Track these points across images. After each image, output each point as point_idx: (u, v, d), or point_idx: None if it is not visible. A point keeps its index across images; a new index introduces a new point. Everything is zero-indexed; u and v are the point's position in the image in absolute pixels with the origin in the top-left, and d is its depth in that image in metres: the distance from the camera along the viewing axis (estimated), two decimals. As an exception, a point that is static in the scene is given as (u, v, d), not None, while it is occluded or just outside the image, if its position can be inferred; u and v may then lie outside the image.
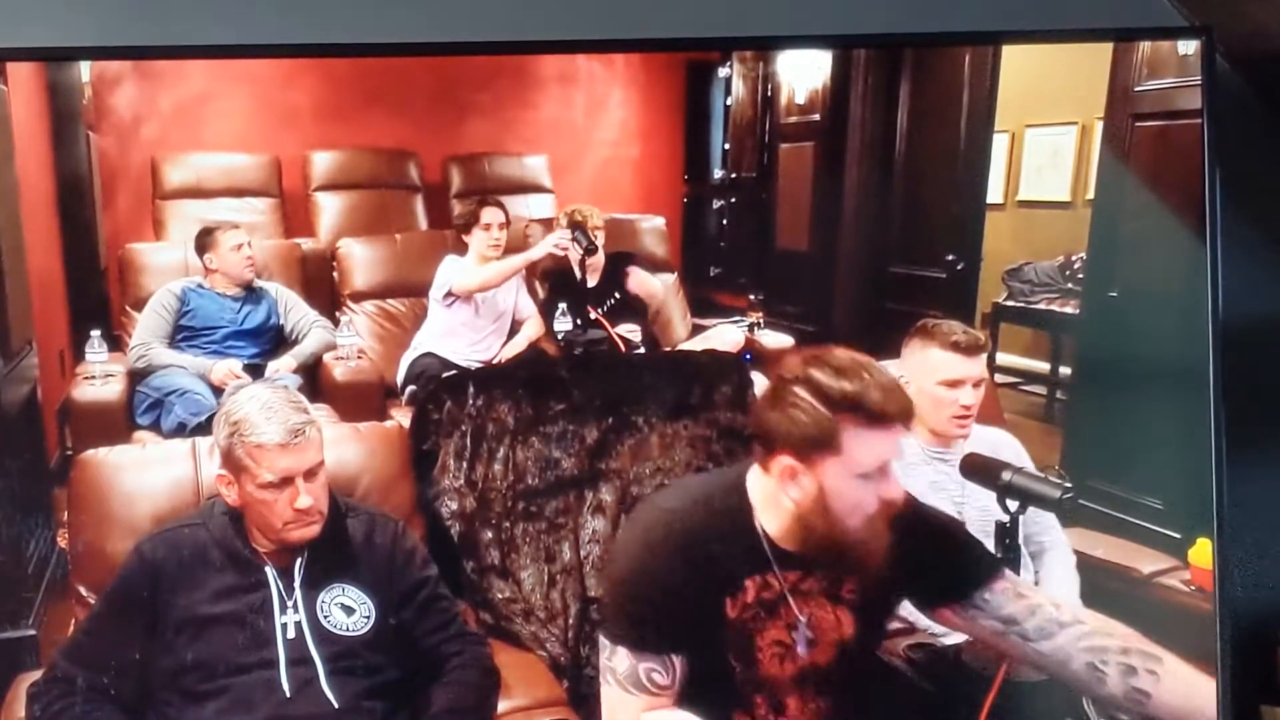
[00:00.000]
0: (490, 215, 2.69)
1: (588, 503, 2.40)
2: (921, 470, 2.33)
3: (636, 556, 1.85)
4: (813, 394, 1.75)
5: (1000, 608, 1.91)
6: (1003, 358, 2.73)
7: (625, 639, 1.82)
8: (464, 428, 2.40)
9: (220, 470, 2.02)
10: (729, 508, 1.85)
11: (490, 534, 2.37)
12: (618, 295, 2.76)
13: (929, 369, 2.31)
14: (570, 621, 2.34)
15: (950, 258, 2.69)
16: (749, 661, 1.86)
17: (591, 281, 2.74)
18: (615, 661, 1.83)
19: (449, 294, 2.67)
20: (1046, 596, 1.98)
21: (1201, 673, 1.93)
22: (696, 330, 2.86)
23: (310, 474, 1.99)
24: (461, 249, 2.69)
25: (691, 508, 1.87)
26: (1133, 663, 1.86)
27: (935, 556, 1.95)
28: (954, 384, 2.31)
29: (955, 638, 2.20)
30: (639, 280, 2.77)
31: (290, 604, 1.99)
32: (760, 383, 2.57)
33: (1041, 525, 2.32)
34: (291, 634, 1.98)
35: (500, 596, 2.34)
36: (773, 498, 1.83)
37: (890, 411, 1.74)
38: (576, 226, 2.67)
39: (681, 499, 1.91)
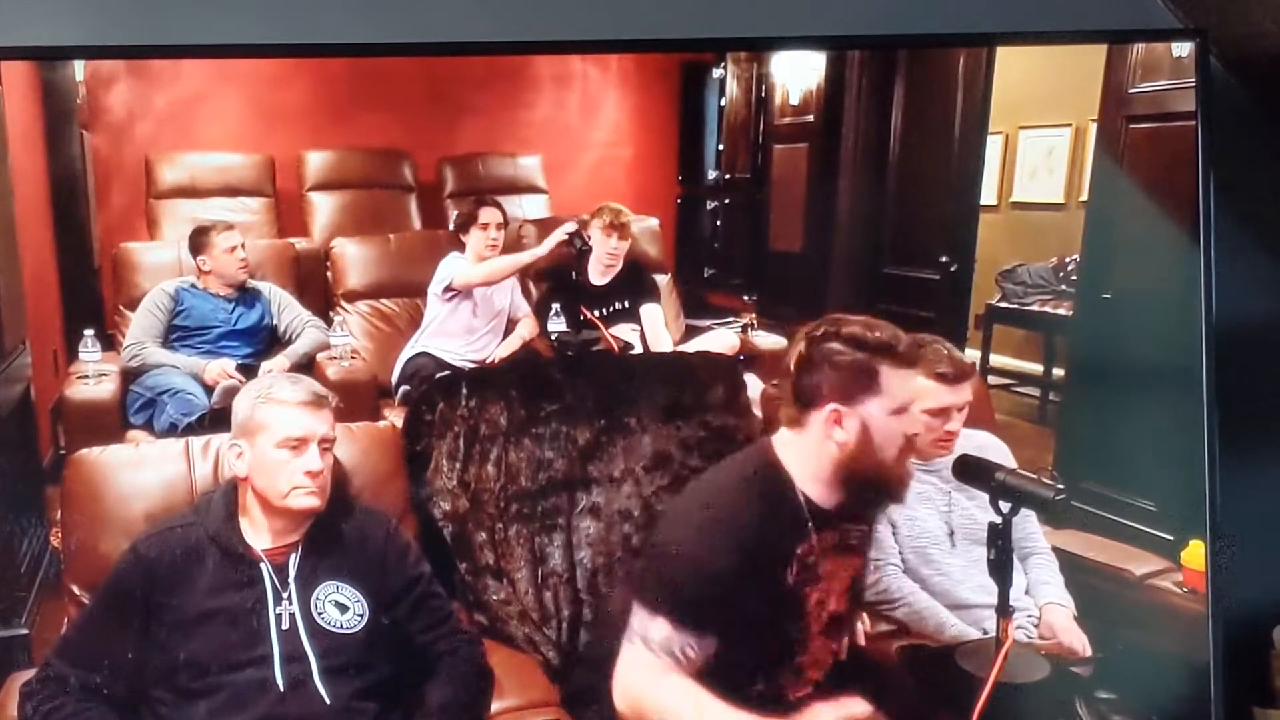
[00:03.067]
0: (488, 215, 2.69)
1: (580, 505, 2.40)
2: None
3: (688, 540, 1.95)
4: (848, 344, 1.90)
5: None
6: (996, 359, 2.73)
7: (671, 613, 1.88)
8: (457, 429, 2.40)
9: (233, 441, 2.05)
10: (770, 482, 1.93)
11: (484, 535, 2.37)
12: (625, 303, 2.76)
13: (913, 395, 2.31)
14: (564, 624, 2.34)
15: (944, 259, 2.69)
16: (800, 624, 1.94)
17: (599, 281, 2.74)
18: (653, 630, 1.88)
19: (449, 289, 2.67)
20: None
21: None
22: (690, 331, 2.86)
23: (323, 442, 2.04)
24: (457, 249, 2.69)
25: (735, 491, 1.96)
26: None
27: None
28: (939, 412, 2.30)
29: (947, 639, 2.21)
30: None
31: (284, 600, 1.99)
32: (753, 383, 2.58)
33: (1025, 531, 2.33)
34: (286, 630, 1.98)
35: (495, 598, 2.34)
36: (812, 455, 1.93)
37: (914, 356, 1.92)
38: (619, 229, 2.69)
39: (724, 483, 2.02)
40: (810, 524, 1.92)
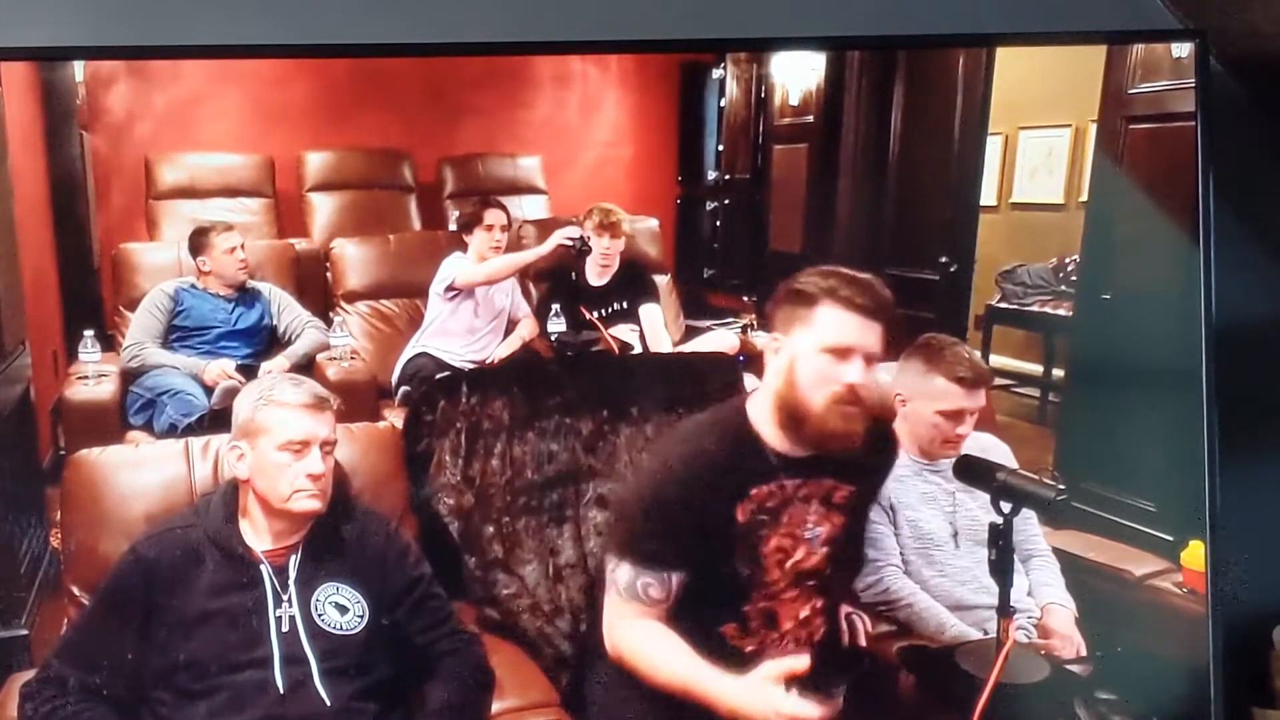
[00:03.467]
0: (493, 216, 2.69)
1: (586, 496, 2.40)
2: (912, 482, 2.33)
3: (650, 480, 2.08)
4: (807, 278, 1.96)
5: None
6: (996, 360, 2.73)
7: (632, 554, 1.97)
8: (459, 425, 2.40)
9: (234, 443, 2.04)
10: (734, 427, 1.99)
11: (491, 529, 2.37)
12: (624, 304, 2.76)
13: (929, 395, 2.31)
14: (579, 615, 2.34)
15: (943, 259, 2.69)
16: (755, 567, 1.98)
17: (597, 282, 2.74)
18: (619, 574, 1.97)
19: (451, 288, 2.67)
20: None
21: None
22: (690, 331, 2.86)
23: (325, 445, 2.03)
24: (457, 249, 2.69)
25: (700, 433, 2.04)
26: None
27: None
28: (953, 415, 2.30)
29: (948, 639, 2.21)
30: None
31: (285, 601, 1.99)
32: (753, 384, 2.57)
33: (1026, 534, 2.33)
34: (286, 631, 1.98)
35: (506, 592, 2.34)
36: (763, 392, 1.99)
37: (861, 304, 1.93)
38: (610, 229, 2.69)
39: (691, 430, 2.09)
40: (777, 468, 1.97)
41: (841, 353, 1.93)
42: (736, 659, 1.97)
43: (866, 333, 1.94)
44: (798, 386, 1.94)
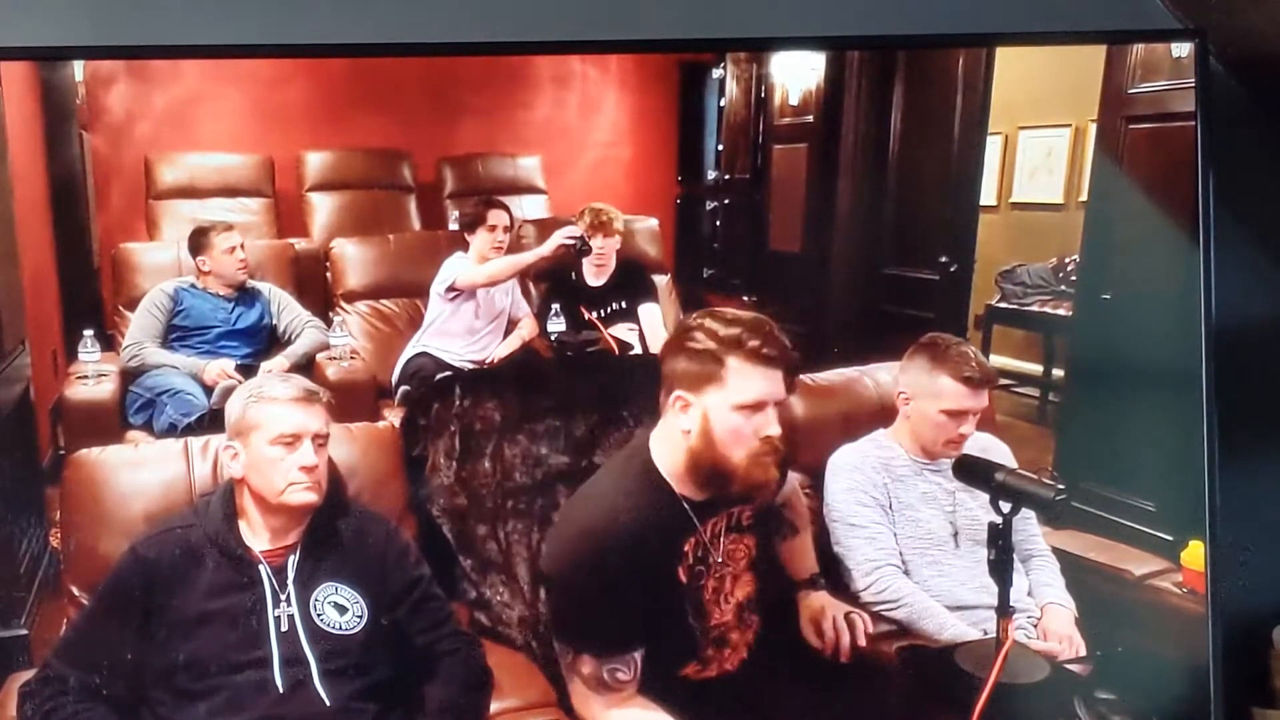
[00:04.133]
0: (496, 217, 2.69)
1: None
2: (913, 482, 2.33)
3: (578, 566, 1.98)
4: (703, 332, 1.94)
5: None
6: (995, 360, 2.73)
7: (590, 644, 1.95)
8: (453, 428, 2.40)
9: (228, 443, 2.04)
10: (645, 483, 1.97)
11: (484, 530, 2.37)
12: (623, 304, 2.76)
13: (934, 394, 2.31)
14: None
15: (943, 259, 2.69)
16: (701, 616, 1.99)
17: (595, 282, 2.74)
18: (581, 666, 1.96)
19: (452, 288, 2.67)
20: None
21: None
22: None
23: (317, 438, 2.04)
24: (456, 249, 2.69)
25: (613, 502, 1.99)
26: None
27: None
28: (957, 414, 2.31)
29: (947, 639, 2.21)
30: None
31: (284, 601, 1.99)
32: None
33: (1026, 533, 2.33)
34: (285, 631, 1.98)
35: (498, 598, 2.34)
36: (669, 444, 1.98)
37: (767, 354, 1.92)
38: (601, 228, 2.69)
39: (600, 499, 2.03)
40: (691, 516, 1.97)
41: (757, 407, 1.93)
42: (703, 690, 2.02)
43: (776, 382, 1.95)
44: (717, 445, 1.93)
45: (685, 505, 1.96)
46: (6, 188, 2.27)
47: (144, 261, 2.59)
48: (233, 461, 2.04)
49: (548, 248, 2.69)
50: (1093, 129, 2.57)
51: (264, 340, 2.60)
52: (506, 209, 2.71)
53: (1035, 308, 2.67)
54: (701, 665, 2.03)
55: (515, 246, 2.73)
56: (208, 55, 2.28)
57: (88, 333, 2.45)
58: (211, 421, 2.37)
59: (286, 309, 2.62)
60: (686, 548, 1.97)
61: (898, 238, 2.76)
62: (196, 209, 2.67)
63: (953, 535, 2.31)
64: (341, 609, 2.02)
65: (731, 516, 2.02)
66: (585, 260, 2.73)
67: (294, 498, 2.01)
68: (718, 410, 1.92)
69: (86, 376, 2.45)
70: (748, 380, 1.91)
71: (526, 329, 2.75)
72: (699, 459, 1.94)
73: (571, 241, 2.68)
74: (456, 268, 2.67)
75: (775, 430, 1.93)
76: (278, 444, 2.01)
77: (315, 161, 2.79)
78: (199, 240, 2.56)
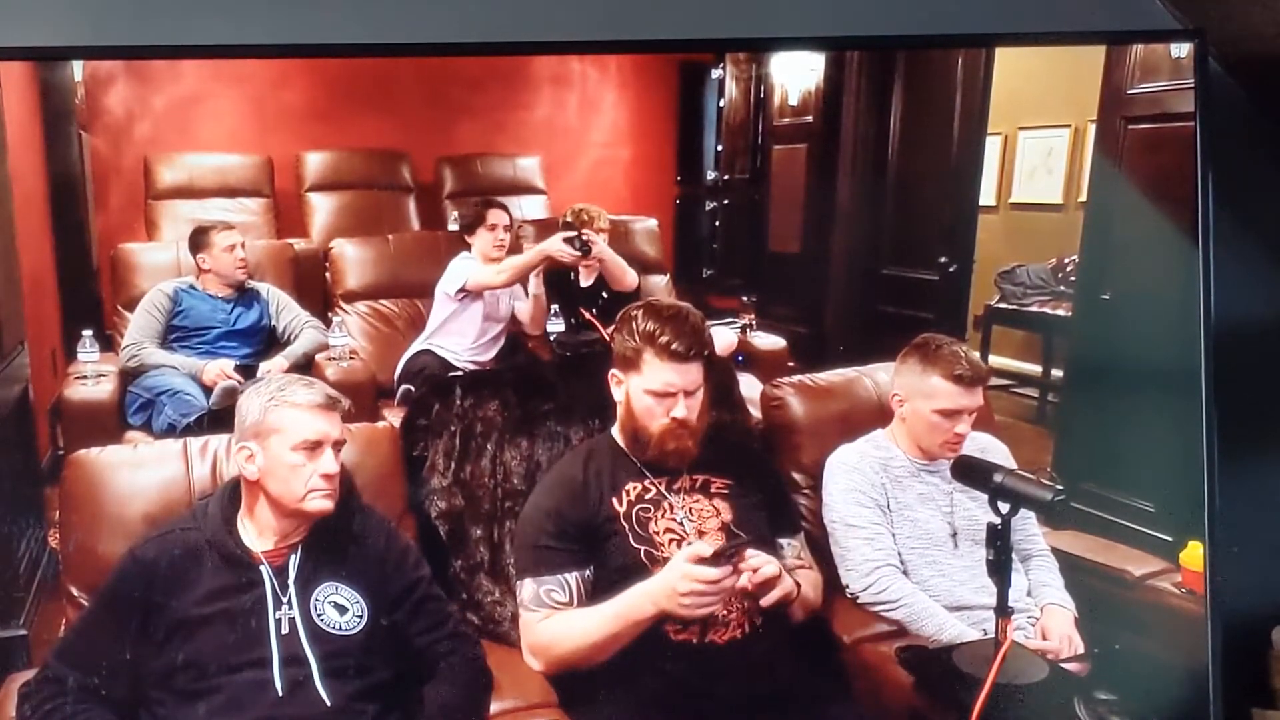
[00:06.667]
0: (496, 217, 2.69)
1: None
2: (909, 483, 2.33)
3: (533, 502, 2.24)
4: (630, 327, 2.20)
5: None
6: (995, 360, 2.73)
7: (528, 570, 2.16)
8: (452, 428, 2.40)
9: (244, 444, 2.02)
10: (603, 444, 2.26)
11: (480, 531, 2.37)
12: (605, 294, 2.76)
13: (926, 394, 2.31)
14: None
15: (942, 260, 2.70)
16: (650, 545, 2.17)
17: (586, 282, 2.75)
18: (522, 592, 2.16)
19: (461, 290, 2.67)
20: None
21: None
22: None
23: (336, 445, 2.04)
24: (455, 249, 2.69)
25: (573, 456, 2.29)
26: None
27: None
28: (951, 414, 2.31)
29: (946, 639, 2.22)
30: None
31: (284, 602, 1.99)
32: (752, 384, 2.58)
33: (1025, 534, 2.33)
34: (285, 632, 1.98)
35: (489, 599, 2.33)
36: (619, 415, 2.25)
37: (676, 351, 2.15)
38: (582, 226, 2.69)
39: (569, 456, 2.33)
40: (640, 471, 2.21)
41: (664, 394, 2.18)
42: (688, 649, 2.12)
43: (686, 374, 2.18)
44: (636, 418, 2.20)
45: (633, 460, 2.22)
46: (6, 188, 2.27)
47: (143, 262, 2.59)
48: (248, 463, 2.02)
49: (554, 246, 2.69)
50: (1092, 129, 2.57)
51: (263, 341, 2.60)
52: (506, 209, 2.71)
53: (1034, 308, 2.68)
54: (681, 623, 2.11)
55: (515, 247, 2.73)
56: (207, 55, 2.28)
57: (87, 333, 2.45)
58: (211, 422, 2.37)
59: (286, 309, 2.62)
60: (626, 487, 2.20)
61: (897, 238, 2.76)
62: (196, 209, 2.67)
63: (951, 536, 2.32)
64: (342, 609, 2.01)
65: (696, 481, 2.24)
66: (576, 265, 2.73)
67: (313, 505, 2.01)
68: (635, 391, 2.20)
69: (85, 377, 2.45)
70: (658, 372, 2.17)
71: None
72: (624, 425, 2.23)
73: (571, 241, 2.68)
74: (468, 269, 2.67)
75: (681, 413, 2.18)
76: (299, 450, 2.00)
77: (314, 162, 2.79)
78: (199, 238, 2.56)
